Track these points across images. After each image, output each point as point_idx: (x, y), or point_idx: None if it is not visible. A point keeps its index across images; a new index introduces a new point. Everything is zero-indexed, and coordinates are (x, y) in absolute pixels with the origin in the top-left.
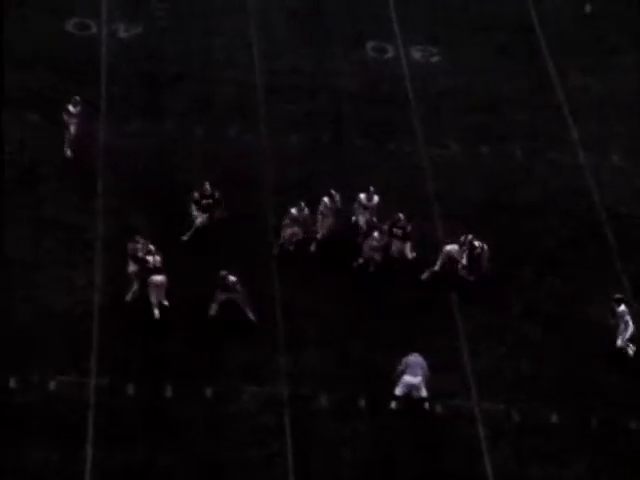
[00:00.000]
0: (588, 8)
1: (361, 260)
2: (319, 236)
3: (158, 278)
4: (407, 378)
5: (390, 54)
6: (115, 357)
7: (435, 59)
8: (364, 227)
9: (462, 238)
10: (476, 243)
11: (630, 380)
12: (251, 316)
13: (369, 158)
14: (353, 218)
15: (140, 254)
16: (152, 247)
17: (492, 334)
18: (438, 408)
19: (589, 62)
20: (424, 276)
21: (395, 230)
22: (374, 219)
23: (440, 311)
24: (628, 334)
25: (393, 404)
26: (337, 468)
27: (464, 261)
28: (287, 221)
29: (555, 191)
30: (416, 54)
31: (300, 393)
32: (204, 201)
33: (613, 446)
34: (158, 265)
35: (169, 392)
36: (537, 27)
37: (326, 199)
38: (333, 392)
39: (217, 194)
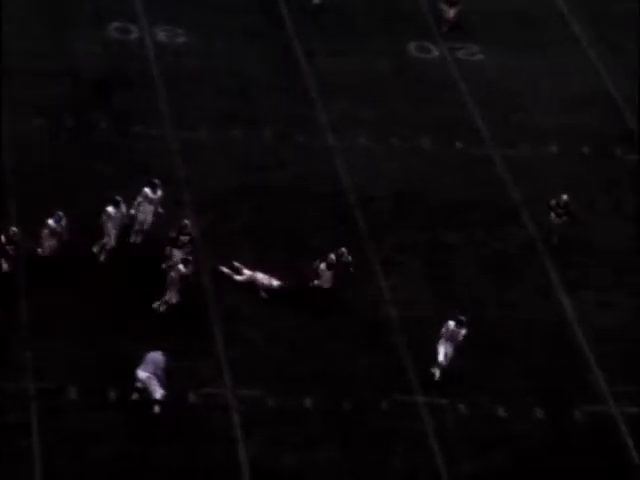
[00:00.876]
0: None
1: (171, 299)
2: (106, 244)
3: None
4: (137, 371)
5: (134, 35)
6: None
7: (181, 40)
8: (148, 220)
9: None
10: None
11: (382, 362)
12: None
13: (115, 142)
14: (132, 211)
15: None
16: None
17: (247, 319)
18: (192, 397)
19: (337, 45)
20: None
21: (182, 238)
22: (160, 210)
23: (194, 297)
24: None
25: (134, 395)
26: (87, 463)
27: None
28: (46, 231)
29: (305, 174)
30: (161, 35)
31: (47, 387)
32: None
33: (365, 428)
34: None
35: None
36: (285, 9)
37: (110, 208)
38: (82, 385)
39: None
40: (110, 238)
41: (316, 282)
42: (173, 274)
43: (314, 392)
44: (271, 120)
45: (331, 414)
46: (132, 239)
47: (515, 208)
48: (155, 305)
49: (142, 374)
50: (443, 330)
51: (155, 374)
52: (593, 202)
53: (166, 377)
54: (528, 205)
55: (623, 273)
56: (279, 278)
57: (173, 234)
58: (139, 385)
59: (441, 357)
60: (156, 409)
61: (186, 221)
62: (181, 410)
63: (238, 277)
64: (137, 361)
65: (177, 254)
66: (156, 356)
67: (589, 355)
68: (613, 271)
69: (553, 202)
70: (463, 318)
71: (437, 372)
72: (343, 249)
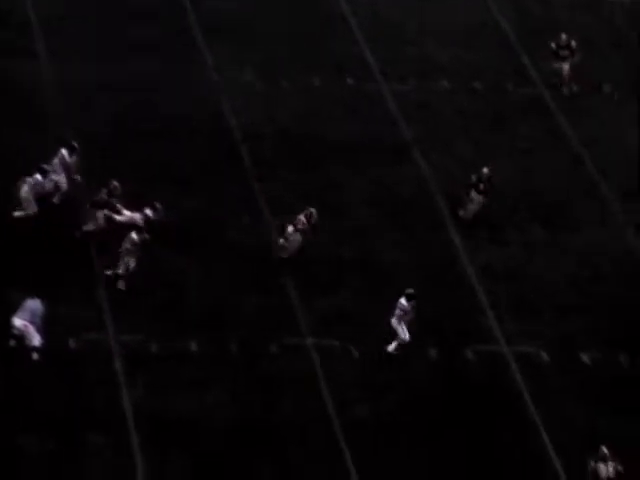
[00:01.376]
0: None
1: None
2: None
3: None
4: (13, 318)
5: None
6: None
7: None
8: (63, 186)
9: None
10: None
11: (271, 303)
12: None
13: None
14: (53, 177)
15: None
16: None
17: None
18: (72, 344)
19: None
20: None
21: (111, 199)
22: (76, 177)
23: (76, 243)
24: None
25: (11, 342)
26: None
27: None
28: None
29: (191, 113)
30: None
31: None
32: None
33: (254, 372)
34: None
35: None
36: None
37: (37, 176)
38: None
39: None
40: (32, 205)
41: (281, 242)
42: (128, 245)
43: (200, 335)
44: (156, 56)
45: (218, 358)
46: (55, 200)
47: (407, 145)
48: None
49: (18, 321)
50: (400, 313)
51: (32, 321)
52: (485, 138)
53: (43, 324)
54: (420, 142)
55: (516, 210)
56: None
57: (104, 196)
58: (15, 332)
59: (406, 336)
60: (35, 356)
61: (115, 183)
62: (61, 357)
63: (118, 217)
64: (14, 308)
65: (100, 215)
66: (34, 303)
67: (481, 294)
68: (506, 207)
69: (474, 178)
70: (411, 291)
71: (392, 345)
72: (312, 210)
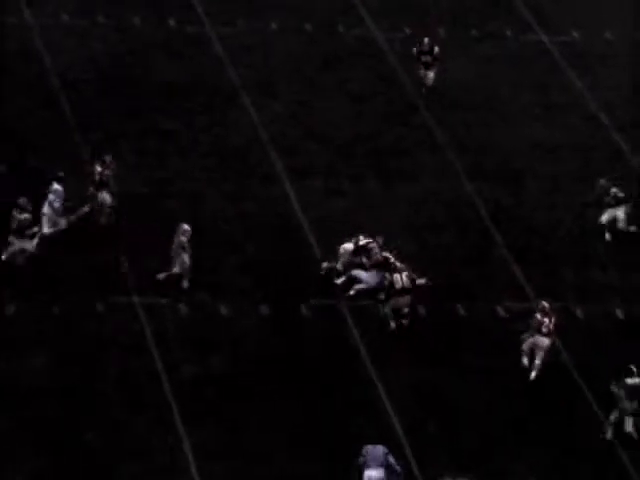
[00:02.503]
0: None
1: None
2: None
3: None
4: None
5: None
6: None
7: None
8: None
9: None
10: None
11: (94, 261)
12: None
13: None
14: None
15: None
16: None
17: None
18: None
19: None
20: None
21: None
22: None
23: None
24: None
25: None
26: None
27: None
28: None
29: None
30: None
31: None
32: None
33: (77, 330)
34: None
35: None
36: None
37: None
38: None
39: None
40: None
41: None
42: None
43: (19, 296)
44: None
45: (40, 318)
46: None
47: (235, 90)
48: None
49: None
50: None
51: None
52: (315, 82)
53: None
54: (248, 87)
55: (349, 156)
56: None
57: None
58: None
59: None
60: None
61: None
62: None
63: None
64: None
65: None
66: None
67: (315, 247)
68: (338, 155)
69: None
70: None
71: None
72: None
